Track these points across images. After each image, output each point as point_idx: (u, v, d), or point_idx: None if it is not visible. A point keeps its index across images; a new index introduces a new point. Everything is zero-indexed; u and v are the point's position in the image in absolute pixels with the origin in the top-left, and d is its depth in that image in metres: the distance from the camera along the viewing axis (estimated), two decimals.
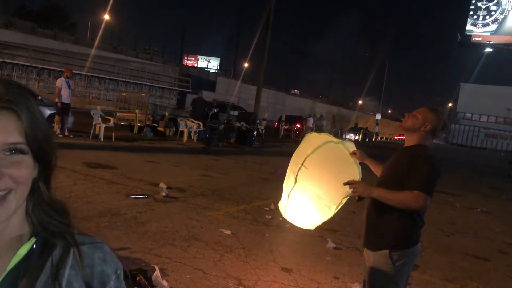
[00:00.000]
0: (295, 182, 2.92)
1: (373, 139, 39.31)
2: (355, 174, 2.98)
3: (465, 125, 69.53)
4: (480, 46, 71.89)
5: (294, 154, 3.15)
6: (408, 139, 2.70)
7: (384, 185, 2.62)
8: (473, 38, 70.44)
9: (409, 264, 2.57)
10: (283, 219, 6.86)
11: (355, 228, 6.51)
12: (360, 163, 2.92)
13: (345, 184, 2.70)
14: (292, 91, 71.19)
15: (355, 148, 2.98)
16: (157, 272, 3.77)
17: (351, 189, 2.57)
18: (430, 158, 2.55)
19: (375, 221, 2.62)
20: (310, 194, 2.97)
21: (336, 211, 2.96)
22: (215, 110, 16.86)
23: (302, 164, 2.91)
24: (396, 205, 2.45)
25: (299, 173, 2.90)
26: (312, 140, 3.12)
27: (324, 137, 3.02)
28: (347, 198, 2.98)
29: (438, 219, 8.20)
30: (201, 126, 16.80)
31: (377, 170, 2.94)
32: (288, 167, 3.10)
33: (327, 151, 2.96)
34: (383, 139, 42.62)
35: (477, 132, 68.03)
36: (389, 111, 75.00)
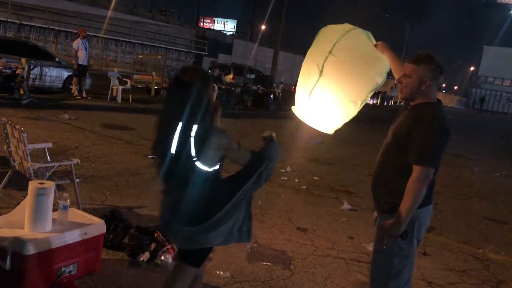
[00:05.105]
0: (320, 75, 2.49)
1: (389, 103, 38.69)
2: (384, 66, 2.59)
3: (487, 89, 68.01)
4: (507, 6, 69.28)
5: (310, 50, 2.72)
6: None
7: (386, 153, 2.47)
8: None
9: (414, 227, 2.35)
10: (299, 180, 6.88)
11: (370, 190, 6.48)
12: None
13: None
14: None
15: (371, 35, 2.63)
16: None
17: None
18: (433, 119, 2.26)
19: (378, 184, 2.53)
20: (336, 88, 2.56)
21: (361, 107, 2.62)
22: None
23: (330, 52, 2.46)
24: (418, 200, 2.23)
25: (325, 63, 2.47)
26: (331, 30, 2.65)
27: (345, 25, 2.60)
28: (372, 92, 2.63)
29: (455, 183, 8.13)
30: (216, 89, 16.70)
31: (395, 67, 2.58)
32: (305, 64, 2.70)
33: (351, 40, 2.53)
34: (397, 103, 41.81)
35: (499, 96, 66.56)
36: None
